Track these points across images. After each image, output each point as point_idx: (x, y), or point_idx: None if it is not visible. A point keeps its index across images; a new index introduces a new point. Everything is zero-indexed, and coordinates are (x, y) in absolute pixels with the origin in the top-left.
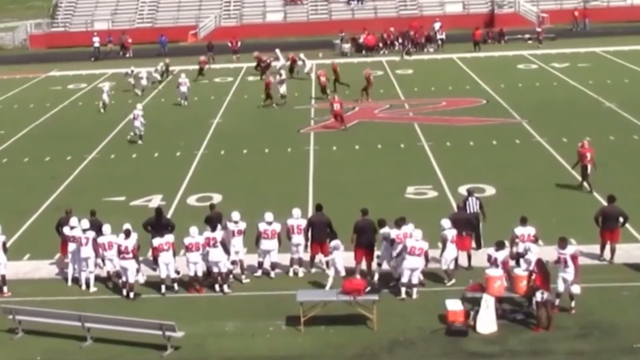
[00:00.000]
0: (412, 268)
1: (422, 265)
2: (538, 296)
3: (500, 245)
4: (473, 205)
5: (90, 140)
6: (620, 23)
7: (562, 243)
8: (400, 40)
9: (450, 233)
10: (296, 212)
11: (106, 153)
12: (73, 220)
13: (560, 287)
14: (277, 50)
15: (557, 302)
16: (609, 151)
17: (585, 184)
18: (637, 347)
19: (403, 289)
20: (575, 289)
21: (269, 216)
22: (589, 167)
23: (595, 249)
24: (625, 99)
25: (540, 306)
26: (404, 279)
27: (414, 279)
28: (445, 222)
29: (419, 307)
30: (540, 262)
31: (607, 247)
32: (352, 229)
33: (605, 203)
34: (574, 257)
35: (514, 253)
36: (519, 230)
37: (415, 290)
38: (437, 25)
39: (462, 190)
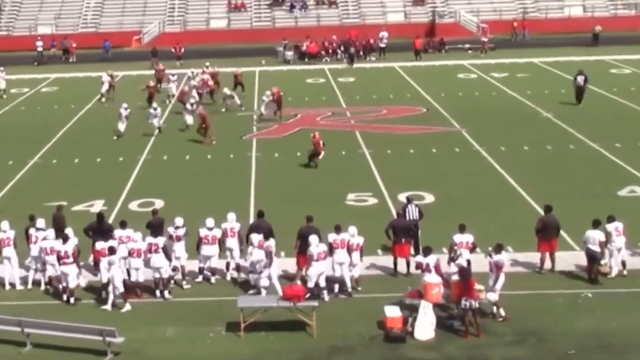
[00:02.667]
0: (318, 273)
1: (326, 269)
2: (462, 303)
3: (427, 251)
4: (412, 213)
5: (32, 145)
6: (558, 34)
7: (495, 249)
8: (342, 49)
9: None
10: (230, 216)
11: (48, 158)
12: (40, 222)
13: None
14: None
15: (494, 309)
16: (546, 160)
17: (313, 163)
18: (571, 353)
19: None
20: (491, 296)
21: (209, 222)
22: (322, 153)
23: (531, 256)
24: (562, 109)
25: (464, 313)
26: (311, 284)
27: (321, 282)
28: (331, 236)
29: (358, 314)
30: (462, 269)
31: (547, 257)
32: (296, 235)
33: (541, 212)
34: (496, 265)
35: (452, 259)
36: (458, 238)
37: (325, 292)
38: (384, 34)
39: (402, 197)
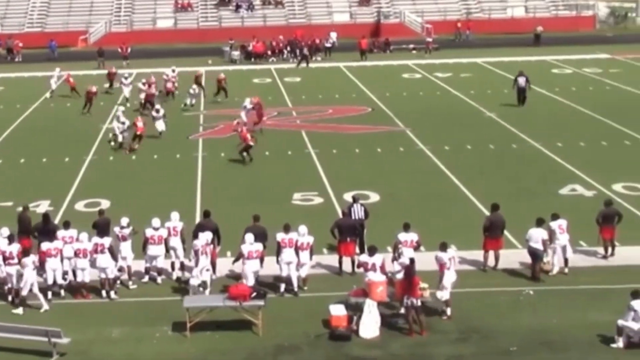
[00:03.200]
0: (253, 271)
1: (260, 267)
2: (404, 301)
3: (372, 251)
4: (358, 212)
5: None
6: (500, 35)
7: (440, 247)
8: (289, 49)
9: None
10: (174, 215)
11: None
12: None
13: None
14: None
15: (444, 307)
16: (489, 159)
17: (247, 156)
18: (513, 350)
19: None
20: (439, 294)
21: (155, 222)
22: (252, 144)
23: (475, 254)
24: (505, 109)
25: (406, 311)
26: (250, 283)
27: (250, 281)
28: (280, 235)
29: (304, 313)
30: (406, 268)
31: (492, 255)
32: (242, 234)
33: (485, 211)
34: (438, 263)
35: (395, 258)
36: (402, 236)
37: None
38: (333, 35)
39: (348, 196)
